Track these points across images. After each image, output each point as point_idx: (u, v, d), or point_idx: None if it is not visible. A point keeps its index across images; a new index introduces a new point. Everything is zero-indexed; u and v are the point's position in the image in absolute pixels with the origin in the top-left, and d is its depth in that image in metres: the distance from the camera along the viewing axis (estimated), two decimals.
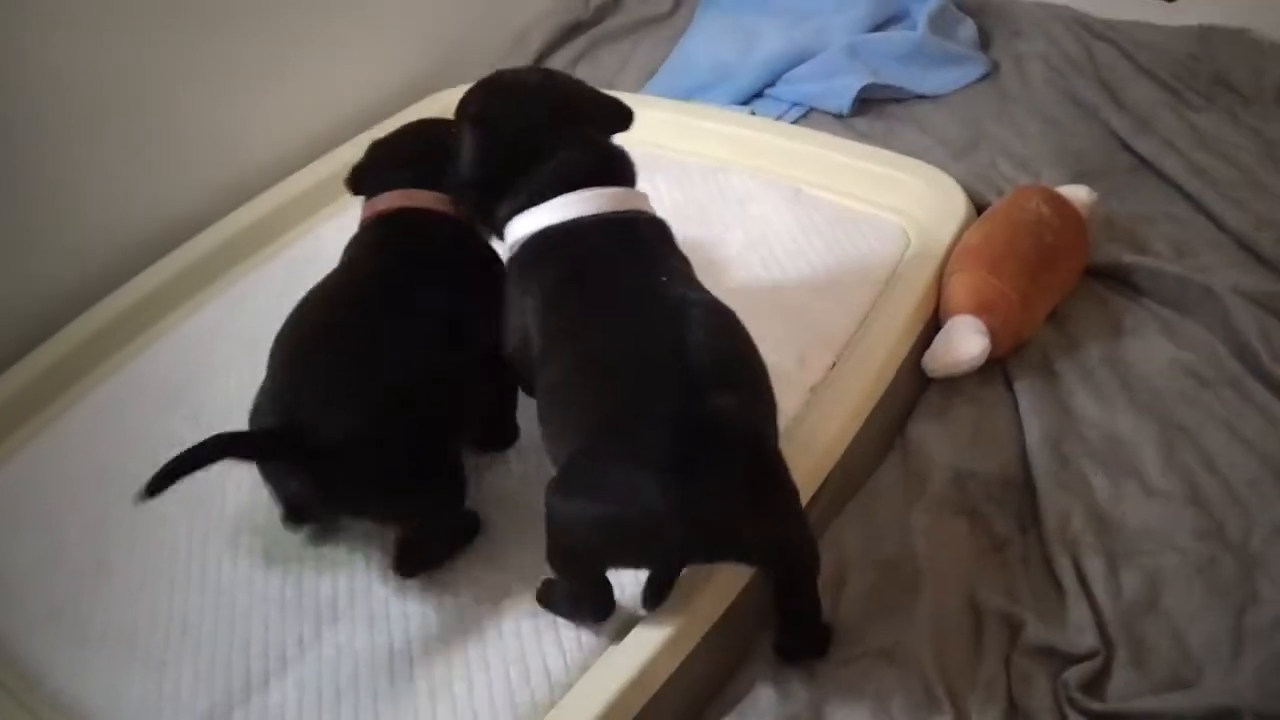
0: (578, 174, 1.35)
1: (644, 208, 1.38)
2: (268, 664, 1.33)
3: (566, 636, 1.31)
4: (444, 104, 2.23)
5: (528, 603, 1.35)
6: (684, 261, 1.37)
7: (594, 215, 1.32)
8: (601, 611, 1.29)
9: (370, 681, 1.30)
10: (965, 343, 1.69)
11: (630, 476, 1.12)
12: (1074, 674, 1.33)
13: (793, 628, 1.35)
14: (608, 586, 1.26)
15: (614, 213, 1.33)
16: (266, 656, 1.34)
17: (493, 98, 1.44)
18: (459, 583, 1.39)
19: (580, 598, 1.29)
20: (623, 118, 1.46)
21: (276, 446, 1.26)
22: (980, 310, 1.71)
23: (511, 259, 1.38)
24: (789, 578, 1.27)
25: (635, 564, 1.22)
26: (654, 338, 1.21)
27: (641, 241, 1.34)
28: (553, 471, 1.22)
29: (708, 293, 1.31)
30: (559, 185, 1.34)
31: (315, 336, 1.32)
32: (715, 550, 1.18)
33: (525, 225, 1.35)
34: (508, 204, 1.37)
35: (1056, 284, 1.81)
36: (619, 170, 1.40)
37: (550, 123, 1.38)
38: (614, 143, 1.44)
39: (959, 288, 1.75)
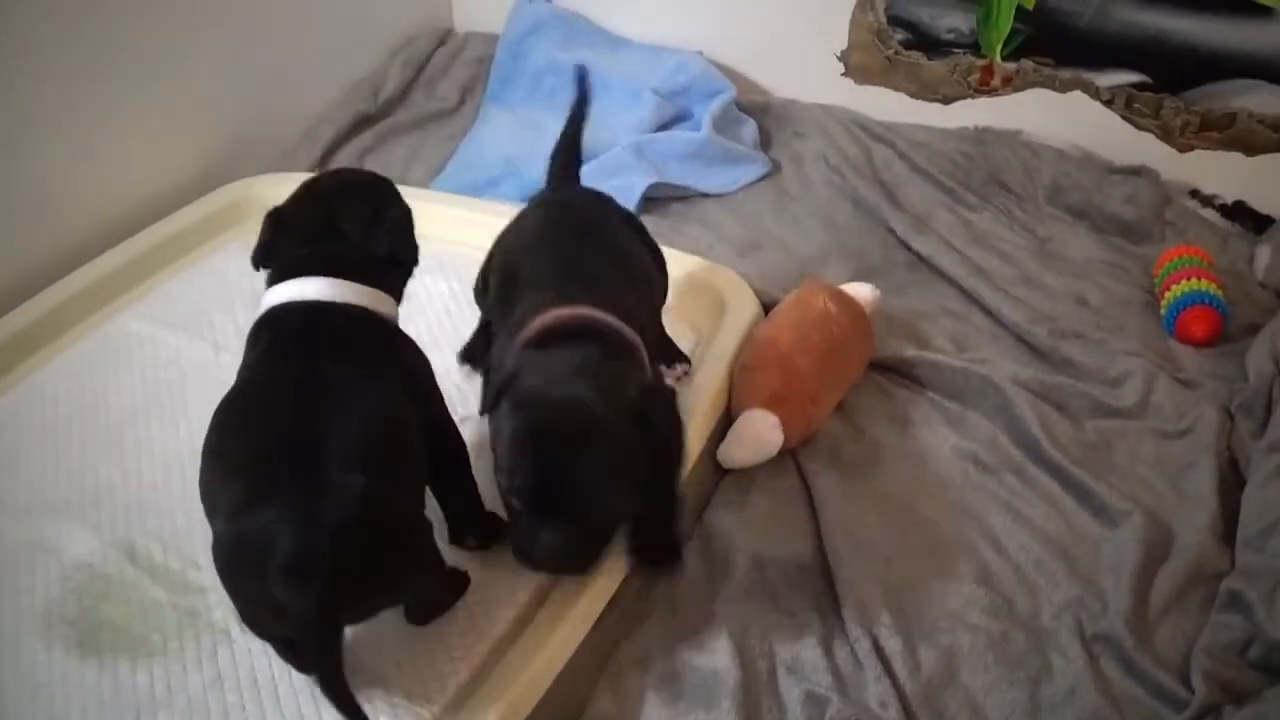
0: (308, 264, 1.57)
1: (355, 300, 1.56)
2: None
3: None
4: (238, 195, 2.47)
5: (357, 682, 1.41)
6: (390, 349, 1.59)
7: (300, 300, 1.54)
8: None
9: None
10: (758, 435, 1.91)
11: (259, 545, 1.28)
12: None
13: None
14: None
15: (319, 301, 1.54)
16: None
17: (296, 192, 1.68)
18: (274, 672, 1.50)
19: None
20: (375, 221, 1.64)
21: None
22: (772, 403, 1.92)
23: None
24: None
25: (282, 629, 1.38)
26: (292, 419, 1.40)
27: (329, 326, 1.54)
28: None
29: (382, 380, 1.51)
30: (286, 272, 1.57)
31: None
32: (348, 607, 1.35)
33: (264, 300, 1.57)
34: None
35: (844, 377, 2.06)
36: (353, 266, 1.59)
37: (317, 221, 1.62)
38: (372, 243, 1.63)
39: (750, 383, 1.96)
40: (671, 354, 2.02)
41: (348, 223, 1.61)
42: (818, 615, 1.72)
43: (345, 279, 1.55)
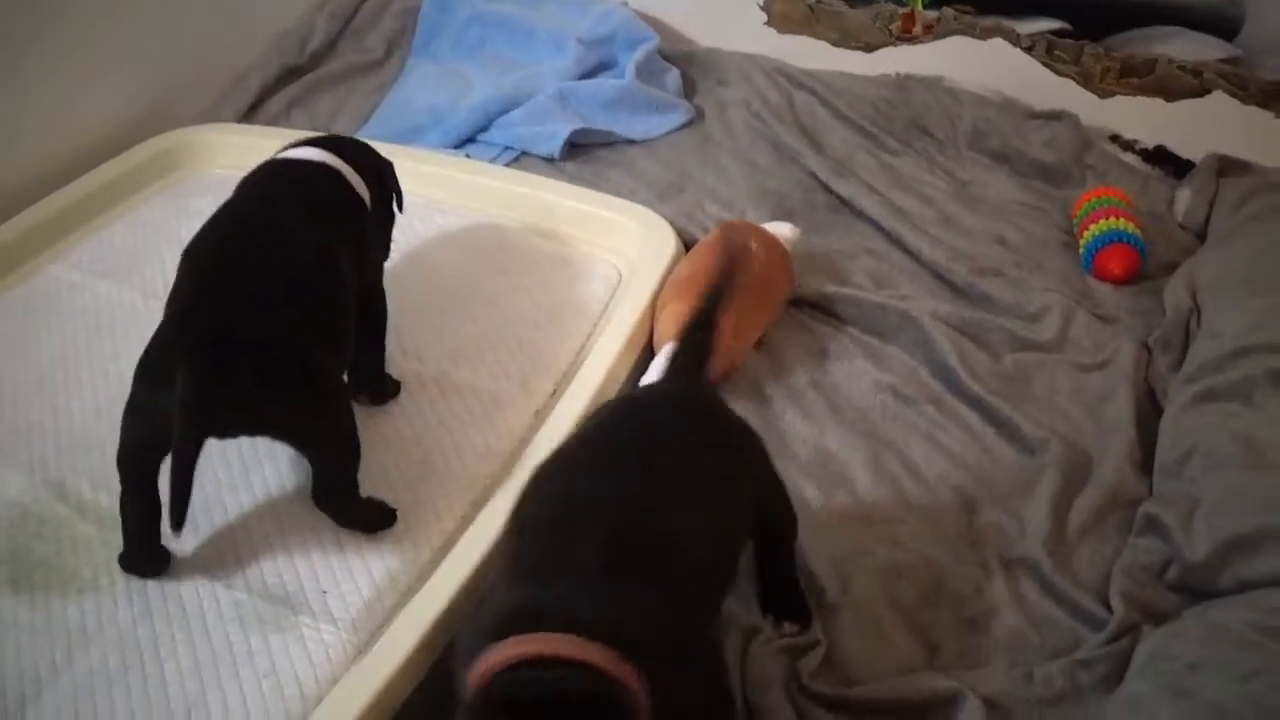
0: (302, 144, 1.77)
1: (333, 164, 1.73)
2: (23, 688, 1.42)
3: (315, 651, 1.46)
4: (166, 146, 2.47)
5: (275, 618, 1.49)
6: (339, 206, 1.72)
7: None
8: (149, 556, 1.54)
9: (126, 703, 1.40)
10: None
11: (159, 360, 1.43)
12: (806, 663, 1.53)
13: None
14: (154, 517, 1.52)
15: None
16: (21, 681, 1.43)
17: None
18: (203, 602, 1.52)
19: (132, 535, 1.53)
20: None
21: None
22: None
23: None
24: None
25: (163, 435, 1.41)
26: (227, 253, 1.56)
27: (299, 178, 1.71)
28: None
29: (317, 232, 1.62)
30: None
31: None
32: (231, 424, 1.48)
33: None
34: None
35: (764, 313, 2.06)
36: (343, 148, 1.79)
37: None
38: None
39: (671, 318, 1.96)
40: (789, 605, 1.62)
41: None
42: None
43: (331, 152, 1.74)
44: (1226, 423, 1.80)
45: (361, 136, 2.49)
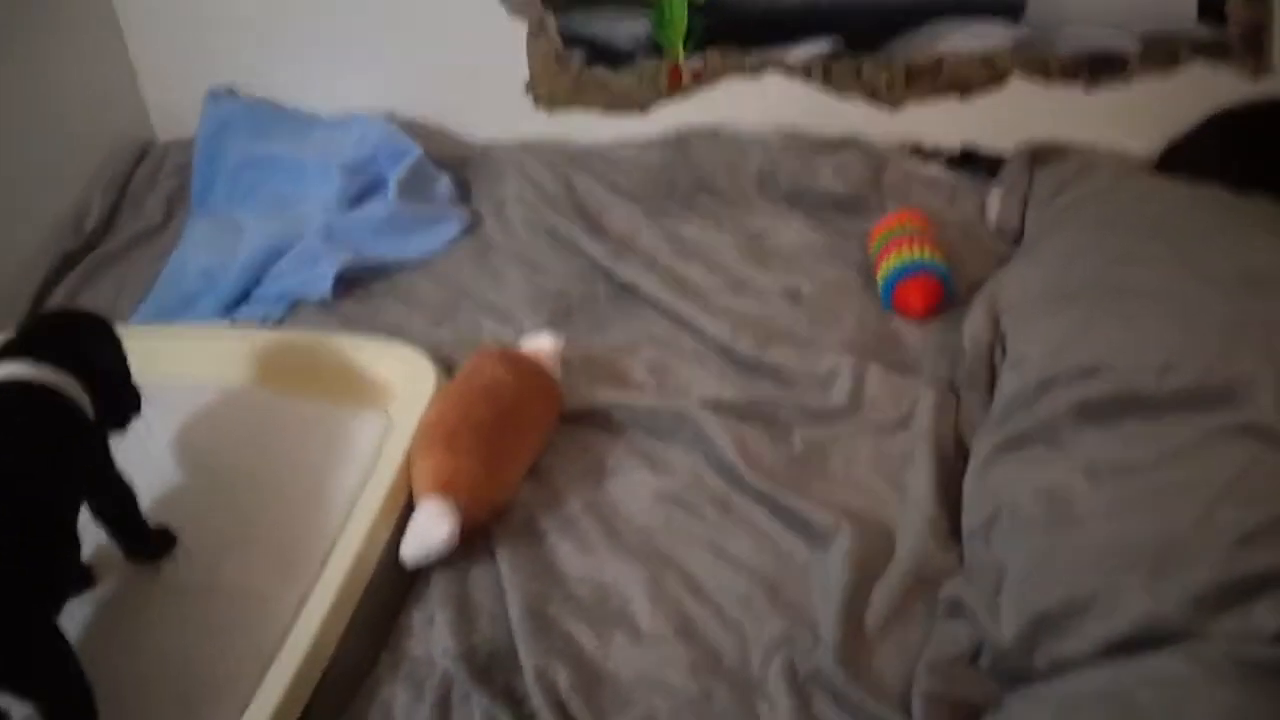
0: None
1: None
2: None
3: None
4: None
5: None
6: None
7: None
8: None
9: None
10: (432, 528, 1.74)
11: None
12: None
13: None
14: None
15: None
16: None
17: None
18: None
19: None
20: None
21: None
22: (444, 489, 1.76)
23: None
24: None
25: None
26: None
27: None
28: None
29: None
30: None
31: None
32: None
33: None
34: None
35: (524, 444, 1.90)
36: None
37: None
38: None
39: (419, 470, 1.81)
40: None
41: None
42: (509, 709, 1.55)
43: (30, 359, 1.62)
44: (1030, 475, 1.63)
45: (136, 319, 2.44)
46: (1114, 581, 1.39)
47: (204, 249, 2.66)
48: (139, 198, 2.90)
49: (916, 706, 1.44)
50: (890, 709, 1.46)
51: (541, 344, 2.01)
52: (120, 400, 1.77)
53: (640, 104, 2.70)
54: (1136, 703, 1.25)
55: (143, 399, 1.81)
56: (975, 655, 1.51)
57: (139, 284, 2.62)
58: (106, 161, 2.97)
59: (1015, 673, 1.45)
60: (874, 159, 2.50)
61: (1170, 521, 1.42)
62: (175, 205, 2.89)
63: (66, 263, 2.71)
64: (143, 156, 3.01)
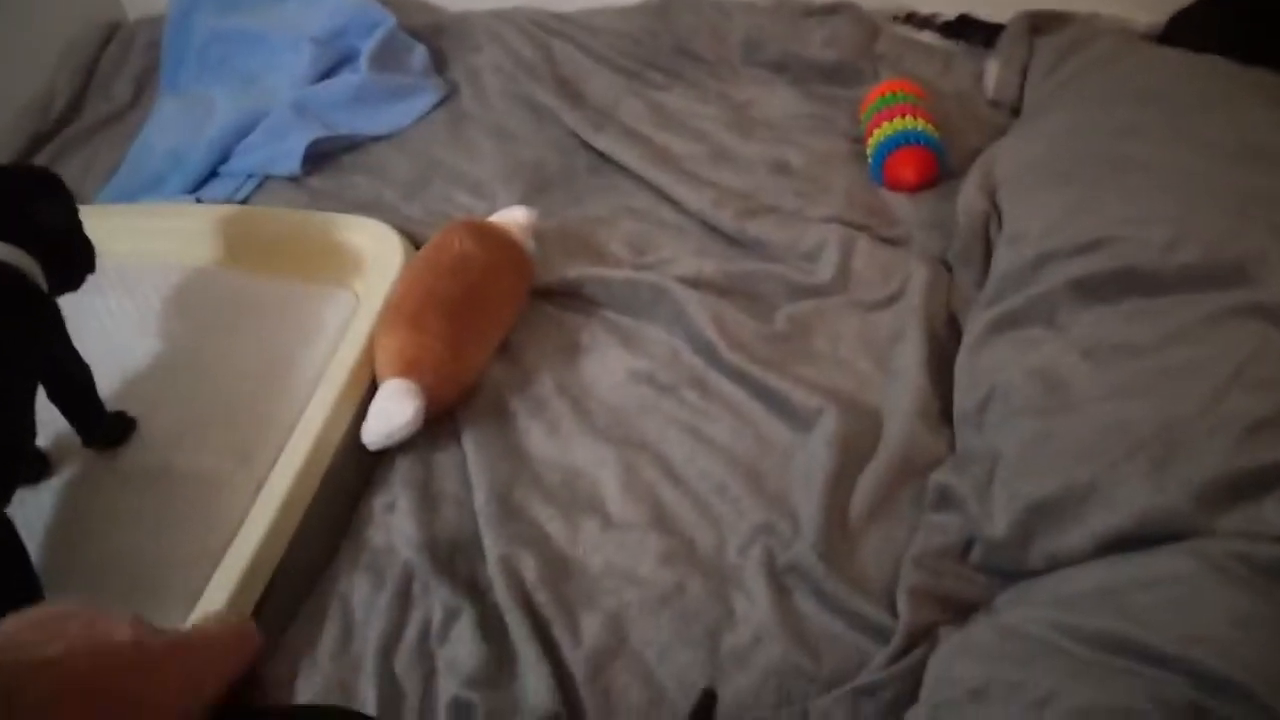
0: None
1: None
2: None
3: None
4: None
5: None
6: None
7: None
8: None
9: None
10: (395, 409, 1.66)
11: None
12: None
13: None
14: None
15: None
16: None
17: None
18: None
19: None
20: None
21: None
22: (408, 370, 1.68)
23: None
24: None
25: None
26: None
27: None
28: None
29: None
30: None
31: None
32: None
33: None
34: None
35: (493, 321, 1.81)
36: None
37: None
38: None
39: (382, 350, 1.72)
40: None
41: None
42: (471, 600, 1.48)
43: None
44: (1025, 355, 1.52)
45: (101, 199, 2.38)
46: (1114, 470, 1.29)
47: (172, 128, 2.57)
48: (107, 79, 2.82)
49: (902, 603, 1.36)
50: (874, 605, 1.38)
51: (514, 217, 1.91)
52: (72, 258, 1.69)
53: None
54: (1137, 604, 1.16)
55: (96, 256, 1.73)
56: (965, 549, 1.42)
57: (107, 165, 2.55)
58: (75, 41, 2.89)
59: (1008, 568, 1.36)
60: (866, 25, 2.38)
61: (1174, 407, 1.32)
62: (145, 84, 2.81)
63: (35, 144, 2.63)
64: (112, 35, 2.92)
